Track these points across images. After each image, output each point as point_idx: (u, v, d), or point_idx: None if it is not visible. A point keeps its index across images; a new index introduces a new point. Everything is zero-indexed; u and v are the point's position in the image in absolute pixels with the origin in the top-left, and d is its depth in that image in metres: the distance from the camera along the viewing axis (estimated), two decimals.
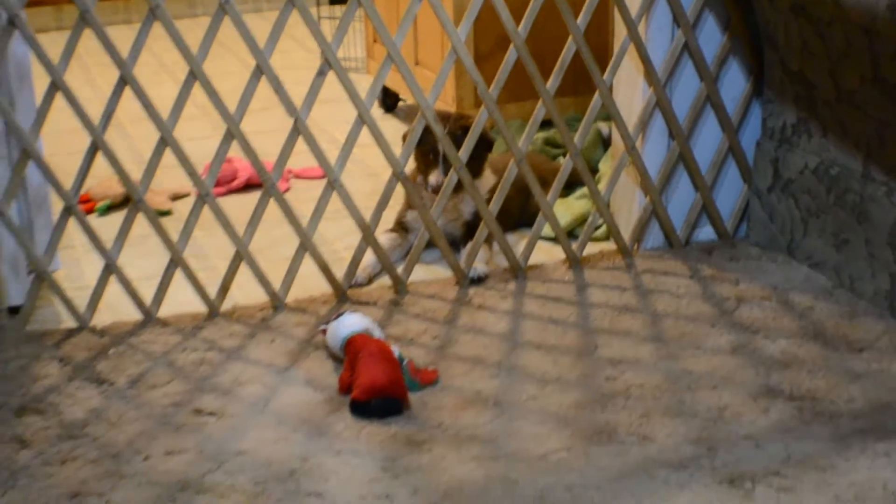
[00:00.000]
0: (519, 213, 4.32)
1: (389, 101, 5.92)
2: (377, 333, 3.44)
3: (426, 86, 4.10)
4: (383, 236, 4.13)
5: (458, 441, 3.07)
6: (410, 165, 4.10)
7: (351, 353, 3.34)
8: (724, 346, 3.51)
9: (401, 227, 4.26)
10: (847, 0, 3.17)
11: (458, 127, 4.04)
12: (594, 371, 3.40)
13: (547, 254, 4.22)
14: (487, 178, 4.20)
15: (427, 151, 4.10)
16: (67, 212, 3.69)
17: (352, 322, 3.44)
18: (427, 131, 3.96)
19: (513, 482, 2.88)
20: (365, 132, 3.85)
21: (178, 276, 3.83)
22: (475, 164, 4.06)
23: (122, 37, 3.77)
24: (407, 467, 2.95)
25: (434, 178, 4.06)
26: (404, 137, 4.07)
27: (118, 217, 4.50)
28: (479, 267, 4.03)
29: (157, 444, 3.10)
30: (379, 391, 3.19)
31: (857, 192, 3.69)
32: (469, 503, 2.80)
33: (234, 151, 3.99)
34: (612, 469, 2.92)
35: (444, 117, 4.04)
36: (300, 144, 3.81)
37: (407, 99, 5.85)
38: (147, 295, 3.83)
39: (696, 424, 3.10)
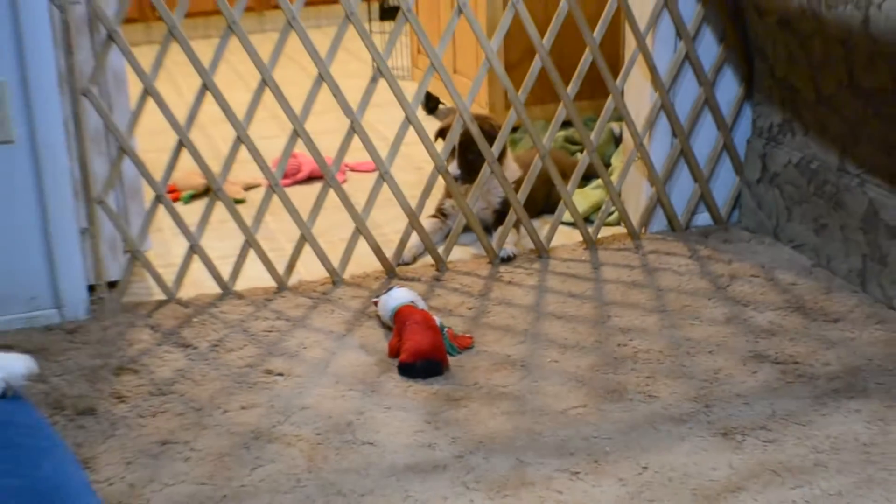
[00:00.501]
0: (543, 201, 4.32)
1: (431, 104, 5.92)
2: (421, 305, 3.44)
3: (463, 91, 4.10)
4: (426, 221, 4.13)
5: (490, 398, 3.07)
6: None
7: (399, 322, 3.34)
8: (718, 317, 3.50)
9: (440, 213, 4.26)
10: (826, 16, 3.15)
11: (486, 126, 4.03)
12: (607, 338, 3.40)
13: (567, 236, 4.21)
14: (514, 170, 4.19)
15: (461, 151, 4.09)
16: (157, 200, 3.70)
17: (399, 295, 3.44)
18: (462, 140, 3.99)
19: (537, 433, 2.88)
20: (411, 131, 3.85)
21: (252, 255, 3.83)
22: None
23: (203, 50, 3.76)
24: (447, 420, 2.96)
25: (451, 168, 4.04)
26: (438, 133, 4.07)
27: (200, 205, 4.53)
28: (508, 248, 4.02)
29: (234, 400, 3.11)
30: (423, 355, 3.19)
31: (834, 184, 3.67)
32: (500, 451, 2.80)
33: (299, 148, 3.99)
34: (622, 423, 2.92)
35: (477, 119, 4.03)
36: (355, 142, 3.81)
37: (446, 102, 5.84)
38: (225, 272, 3.84)
39: (695, 385, 3.10)
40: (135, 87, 3.75)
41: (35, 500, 1.46)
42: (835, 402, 2.98)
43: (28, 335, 3.52)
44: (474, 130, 3.88)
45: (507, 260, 3.99)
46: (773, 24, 3.78)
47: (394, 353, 3.30)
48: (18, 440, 1.61)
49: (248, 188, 4.88)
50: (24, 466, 1.54)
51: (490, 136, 3.98)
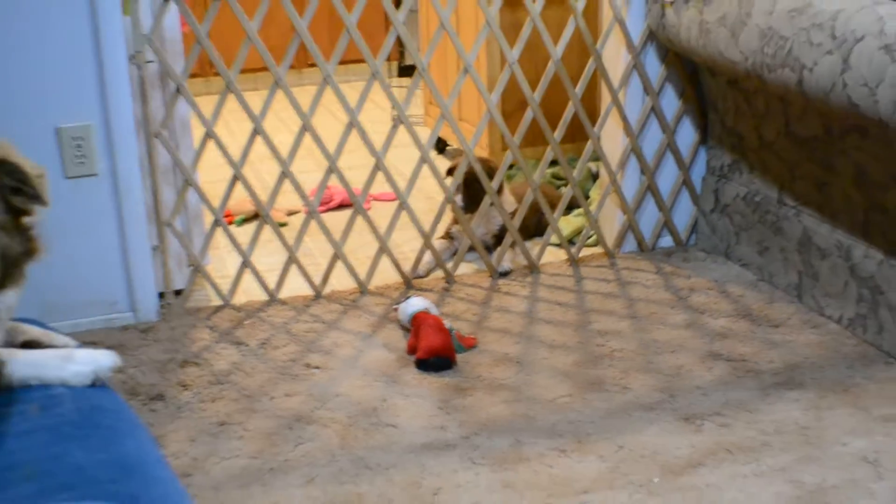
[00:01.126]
0: (534, 226, 4.29)
1: (440, 145, 5.89)
2: (434, 311, 3.41)
3: (467, 135, 4.09)
4: (437, 242, 4.11)
5: (491, 388, 3.04)
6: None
7: (415, 324, 3.32)
8: (680, 322, 3.47)
9: (449, 236, 4.23)
10: (767, 77, 3.13)
11: (486, 166, 4.01)
12: (588, 339, 3.37)
13: (554, 255, 4.18)
14: (510, 202, 4.16)
15: (469, 188, 4.06)
16: (215, 223, 3.69)
17: (416, 303, 3.41)
18: (468, 178, 3.97)
19: (531, 418, 2.86)
20: (424, 168, 3.83)
21: (293, 269, 3.82)
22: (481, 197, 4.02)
23: (252, 100, 3.76)
24: (456, 406, 2.94)
25: (458, 199, 4.01)
26: (448, 171, 4.06)
27: (249, 227, 4.53)
28: (506, 264, 3.99)
29: (279, 388, 3.09)
30: (436, 352, 3.16)
31: (774, 213, 3.65)
32: (500, 432, 2.78)
33: (331, 181, 3.97)
34: (601, 410, 2.90)
35: (480, 160, 4.01)
36: (378, 176, 3.80)
37: (453, 144, 5.82)
38: (271, 282, 3.82)
39: (661, 378, 3.07)
40: (197, 131, 3.74)
41: (121, 471, 1.44)
42: (777, 393, 2.95)
43: (108, 334, 3.50)
44: (477, 169, 3.87)
45: (505, 274, 3.96)
46: (724, 83, 3.77)
47: (411, 350, 3.27)
48: (106, 422, 1.59)
49: (289, 214, 4.86)
50: (112, 444, 1.52)
51: (489, 175, 3.98)
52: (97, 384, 1.75)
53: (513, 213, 4.04)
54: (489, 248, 4.17)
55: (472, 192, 4.03)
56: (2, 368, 1.68)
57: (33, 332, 1.88)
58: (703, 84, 3.96)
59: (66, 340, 1.92)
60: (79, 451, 1.48)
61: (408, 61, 7.53)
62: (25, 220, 1.73)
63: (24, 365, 1.70)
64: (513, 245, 4.04)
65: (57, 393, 1.67)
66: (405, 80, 6.85)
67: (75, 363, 1.74)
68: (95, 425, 1.57)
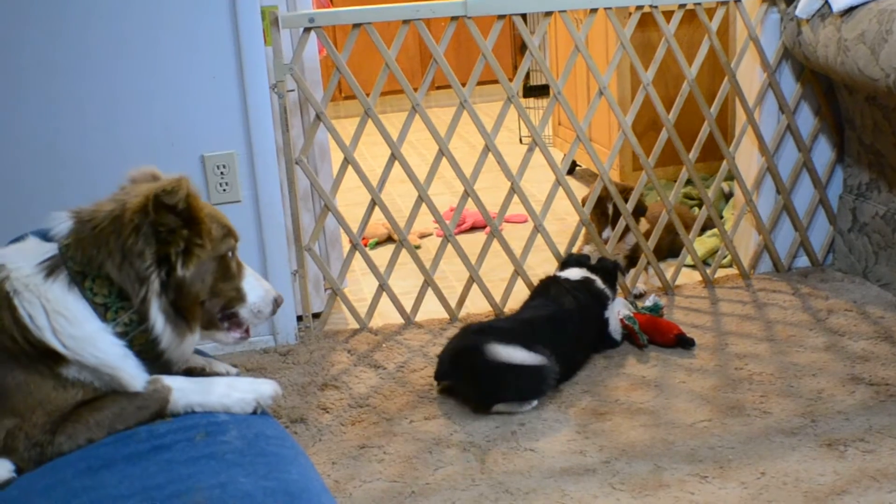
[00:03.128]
0: (668, 247, 4.28)
1: (570, 166, 5.91)
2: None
3: (600, 157, 4.11)
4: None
5: (629, 412, 3.05)
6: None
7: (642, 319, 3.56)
8: (819, 345, 3.44)
9: None
10: None
11: (622, 194, 4.02)
12: (726, 363, 3.36)
13: (689, 277, 4.17)
14: (643, 225, 4.15)
15: (601, 212, 4.08)
16: (353, 247, 3.76)
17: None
18: (600, 198, 3.98)
19: (670, 443, 2.86)
20: (556, 189, 3.86)
21: (429, 292, 3.87)
22: (636, 218, 4.05)
23: (385, 124, 3.82)
24: (594, 431, 2.95)
25: (605, 233, 4.03)
26: (582, 202, 4.07)
27: (382, 250, 4.59)
28: (640, 286, 4.01)
29: (418, 412, 3.14)
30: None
31: None
32: (639, 456, 2.79)
33: (468, 205, 4.01)
34: (741, 435, 2.88)
35: (624, 190, 4.04)
36: (509, 197, 3.83)
37: (583, 164, 5.83)
38: (407, 306, 3.88)
39: (802, 402, 3.05)
40: (334, 155, 3.83)
41: (287, 499, 1.49)
42: None
43: (249, 357, 3.59)
44: (612, 190, 3.88)
45: (639, 297, 3.97)
46: (862, 100, 3.72)
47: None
48: (270, 449, 1.65)
49: (422, 237, 4.93)
50: (277, 471, 1.57)
51: (624, 197, 4.00)
52: (258, 412, 1.82)
53: (646, 234, 4.05)
54: (622, 270, 4.17)
55: (605, 212, 4.04)
56: (168, 395, 1.76)
57: (195, 359, 1.96)
58: (840, 101, 3.92)
59: (227, 368, 2.00)
60: (245, 479, 1.54)
61: (533, 82, 7.55)
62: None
63: (189, 392, 1.78)
64: (646, 267, 4.04)
65: (221, 420, 1.74)
66: (531, 101, 6.87)
67: (238, 391, 1.82)
68: (260, 452, 1.63)
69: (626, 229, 4.02)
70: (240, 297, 1.95)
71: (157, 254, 1.76)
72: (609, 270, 3.66)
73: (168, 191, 1.74)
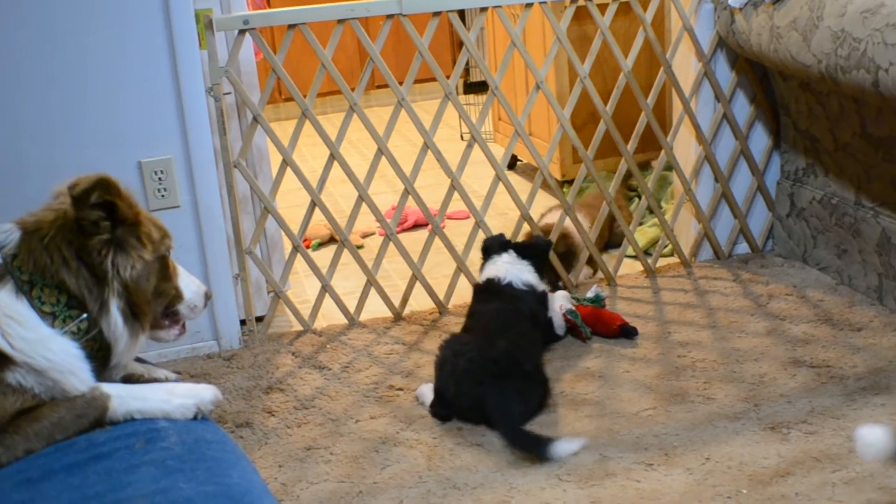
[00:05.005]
0: (608, 238, 4.30)
1: (511, 161, 5.92)
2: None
3: (539, 150, 4.12)
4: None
5: (574, 404, 3.08)
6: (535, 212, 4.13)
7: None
8: (761, 330, 3.48)
9: None
10: (841, 79, 3.14)
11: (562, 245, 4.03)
12: (669, 351, 3.39)
13: (630, 267, 4.21)
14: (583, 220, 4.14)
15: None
16: (295, 250, 3.76)
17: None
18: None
19: (615, 432, 2.89)
20: (498, 184, 3.88)
21: (372, 291, 3.87)
22: (568, 264, 4.05)
23: (323, 125, 3.82)
24: (540, 423, 2.97)
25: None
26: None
27: (325, 251, 4.59)
28: (583, 278, 4.04)
29: (364, 411, 3.14)
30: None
31: (852, 216, 3.65)
32: (586, 448, 2.80)
33: (408, 203, 4.01)
34: (685, 421, 2.92)
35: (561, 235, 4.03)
36: (451, 194, 3.84)
37: (523, 159, 5.85)
38: (351, 306, 3.88)
39: (745, 387, 3.09)
40: (273, 158, 3.83)
41: (228, 502, 1.50)
42: (863, 399, 2.95)
43: (193, 362, 3.58)
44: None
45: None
46: (796, 86, 3.77)
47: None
48: (211, 454, 1.65)
49: (364, 236, 4.92)
50: (218, 475, 1.57)
51: (567, 254, 4.04)
52: (199, 417, 1.82)
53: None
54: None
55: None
56: (107, 403, 1.75)
57: (134, 366, 1.96)
58: (775, 88, 3.97)
59: (167, 374, 2.00)
60: (186, 484, 1.54)
61: (473, 78, 7.58)
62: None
63: (129, 399, 1.78)
64: (590, 260, 4.06)
65: (160, 427, 1.74)
66: (471, 98, 6.89)
67: (178, 396, 1.82)
68: (200, 457, 1.63)
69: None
70: (179, 295, 2.05)
71: (101, 253, 1.80)
72: (541, 249, 3.64)
73: (73, 185, 1.79)
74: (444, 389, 3.04)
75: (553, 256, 3.87)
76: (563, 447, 2.75)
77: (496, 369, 2.97)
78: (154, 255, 1.92)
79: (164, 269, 1.98)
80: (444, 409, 3.05)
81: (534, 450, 2.77)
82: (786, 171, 4.07)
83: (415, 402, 3.16)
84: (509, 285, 3.45)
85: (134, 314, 1.87)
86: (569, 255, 4.02)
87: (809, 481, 2.57)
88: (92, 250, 1.80)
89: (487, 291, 3.47)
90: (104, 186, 1.80)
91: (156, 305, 1.98)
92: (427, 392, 3.13)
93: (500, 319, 3.28)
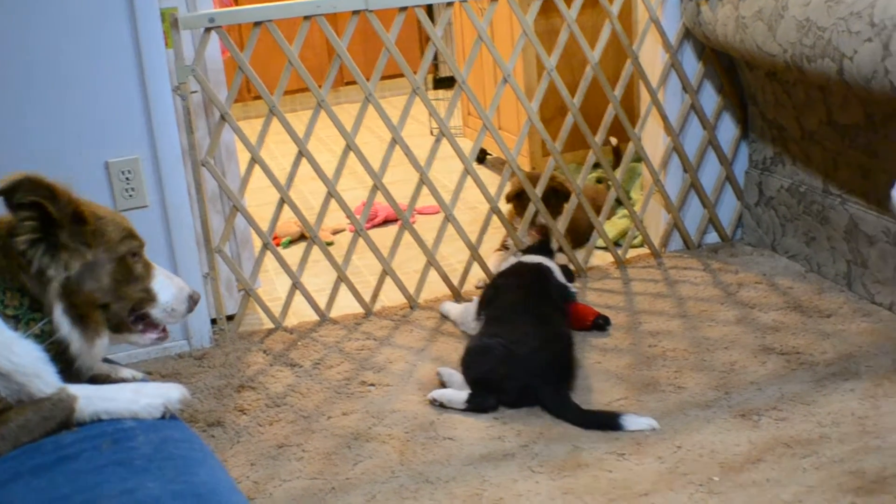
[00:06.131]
0: (585, 229, 4.27)
1: (481, 155, 5.92)
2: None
3: (508, 144, 4.13)
4: (495, 254, 4.17)
5: None
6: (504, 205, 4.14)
7: None
8: (731, 318, 3.50)
9: (504, 247, 4.24)
10: (807, 68, 3.15)
11: (548, 187, 4.03)
12: (640, 341, 3.40)
13: (601, 258, 4.21)
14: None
15: (525, 204, 4.06)
16: (265, 247, 3.74)
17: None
18: (524, 190, 4.00)
19: None
20: (467, 179, 3.87)
21: (343, 288, 3.86)
22: (558, 209, 4.09)
23: (292, 122, 3.81)
24: (512, 416, 2.97)
25: (538, 221, 4.06)
26: (507, 197, 4.09)
27: (296, 248, 4.58)
28: None
29: (336, 408, 3.14)
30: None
31: (820, 203, 3.66)
32: (557, 439, 2.82)
33: (376, 198, 4.00)
34: (657, 410, 2.93)
35: (535, 178, 4.05)
36: (421, 189, 3.84)
37: (493, 153, 5.85)
38: (321, 302, 3.87)
39: (715, 376, 3.10)
40: (242, 156, 3.81)
41: (196, 501, 1.49)
42: (833, 384, 2.97)
43: (164, 362, 3.56)
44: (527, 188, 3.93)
45: None
46: (762, 76, 3.79)
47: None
48: (179, 452, 1.65)
49: (334, 233, 4.91)
50: (185, 474, 1.57)
51: (557, 193, 4.06)
52: (167, 416, 1.81)
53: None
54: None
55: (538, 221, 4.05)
56: (74, 404, 1.74)
57: (101, 367, 1.95)
58: (742, 78, 3.98)
59: (133, 373, 1.99)
60: (153, 484, 1.53)
61: (442, 73, 7.57)
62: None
63: (95, 400, 1.77)
64: (560, 249, 4.06)
65: (128, 427, 1.73)
66: (441, 93, 6.88)
67: (146, 396, 1.81)
68: (168, 456, 1.62)
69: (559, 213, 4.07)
70: (150, 298, 1.99)
71: (27, 254, 1.77)
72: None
73: None
74: (488, 377, 3.04)
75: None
76: (633, 421, 2.84)
77: (553, 360, 3.06)
78: (108, 256, 1.88)
79: (125, 271, 1.93)
80: (488, 398, 3.03)
81: (607, 425, 2.85)
82: (754, 160, 4.09)
83: (387, 398, 3.16)
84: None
85: (81, 317, 1.83)
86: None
87: (780, 467, 2.58)
88: (19, 252, 1.77)
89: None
90: (27, 186, 1.76)
91: (118, 309, 1.93)
92: (454, 395, 3.08)
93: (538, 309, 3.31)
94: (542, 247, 3.76)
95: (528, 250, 3.75)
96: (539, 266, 3.52)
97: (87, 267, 1.84)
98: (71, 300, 1.81)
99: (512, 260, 3.67)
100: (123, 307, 1.95)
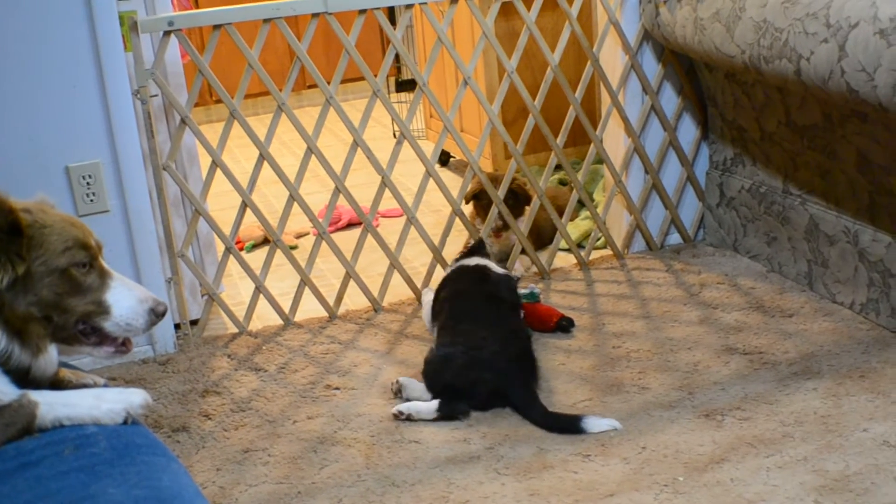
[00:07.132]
0: (551, 231, 4.27)
1: (443, 157, 5.92)
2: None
3: (471, 146, 4.13)
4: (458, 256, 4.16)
5: None
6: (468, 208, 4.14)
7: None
8: (694, 319, 3.51)
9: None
10: (765, 69, 3.17)
11: (508, 189, 4.04)
12: (603, 342, 3.40)
13: (564, 260, 4.21)
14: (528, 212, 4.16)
15: (485, 206, 4.09)
16: (227, 251, 3.72)
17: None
18: (484, 191, 4.00)
19: None
20: (430, 182, 3.87)
21: (307, 291, 3.84)
22: (518, 211, 4.10)
23: (254, 125, 3.80)
24: (477, 419, 2.97)
25: (493, 225, 4.06)
26: (466, 199, 4.09)
27: (260, 252, 4.56)
28: (517, 272, 4.04)
29: (301, 412, 3.12)
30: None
31: (780, 203, 3.68)
32: (523, 441, 2.81)
33: (339, 201, 4.00)
34: (621, 411, 2.93)
35: (497, 180, 4.06)
36: (384, 193, 3.82)
37: (456, 156, 5.85)
38: (285, 306, 3.85)
39: (679, 376, 3.11)
40: (203, 160, 3.79)
41: None
42: (795, 384, 2.99)
43: (128, 368, 3.53)
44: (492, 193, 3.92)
45: (517, 280, 3.98)
46: (721, 77, 3.80)
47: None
48: (141, 458, 1.63)
49: (298, 236, 4.89)
50: (148, 479, 1.55)
51: (517, 195, 4.06)
52: (129, 422, 1.79)
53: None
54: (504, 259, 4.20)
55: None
56: (35, 410, 1.72)
57: (61, 372, 1.92)
58: (701, 79, 4.00)
59: (95, 379, 1.96)
60: (115, 489, 1.52)
61: (405, 76, 7.55)
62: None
63: (57, 406, 1.75)
64: (523, 251, 4.07)
65: (90, 432, 1.71)
66: (403, 96, 6.87)
67: (107, 402, 1.79)
68: (130, 462, 1.61)
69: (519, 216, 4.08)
70: (101, 311, 1.88)
71: None
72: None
73: None
74: (455, 384, 3.01)
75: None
76: (594, 423, 2.83)
77: (517, 358, 3.07)
78: (45, 269, 1.79)
79: (69, 283, 1.83)
80: (459, 405, 3.00)
81: (569, 428, 2.84)
82: (714, 161, 4.10)
83: (352, 401, 3.15)
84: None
85: (19, 331, 1.77)
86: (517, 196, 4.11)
87: (744, 466, 2.59)
88: None
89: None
90: None
91: (63, 322, 1.84)
92: (422, 406, 3.03)
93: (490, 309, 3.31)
94: (478, 248, 3.76)
95: (465, 254, 3.74)
96: (478, 266, 3.52)
97: (19, 280, 1.76)
98: (4, 314, 1.75)
99: (453, 266, 3.66)
100: (67, 320, 1.85)
